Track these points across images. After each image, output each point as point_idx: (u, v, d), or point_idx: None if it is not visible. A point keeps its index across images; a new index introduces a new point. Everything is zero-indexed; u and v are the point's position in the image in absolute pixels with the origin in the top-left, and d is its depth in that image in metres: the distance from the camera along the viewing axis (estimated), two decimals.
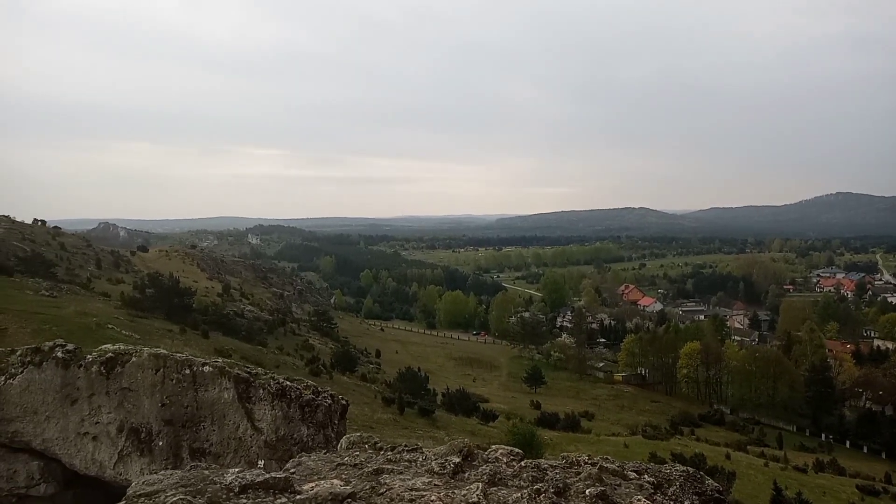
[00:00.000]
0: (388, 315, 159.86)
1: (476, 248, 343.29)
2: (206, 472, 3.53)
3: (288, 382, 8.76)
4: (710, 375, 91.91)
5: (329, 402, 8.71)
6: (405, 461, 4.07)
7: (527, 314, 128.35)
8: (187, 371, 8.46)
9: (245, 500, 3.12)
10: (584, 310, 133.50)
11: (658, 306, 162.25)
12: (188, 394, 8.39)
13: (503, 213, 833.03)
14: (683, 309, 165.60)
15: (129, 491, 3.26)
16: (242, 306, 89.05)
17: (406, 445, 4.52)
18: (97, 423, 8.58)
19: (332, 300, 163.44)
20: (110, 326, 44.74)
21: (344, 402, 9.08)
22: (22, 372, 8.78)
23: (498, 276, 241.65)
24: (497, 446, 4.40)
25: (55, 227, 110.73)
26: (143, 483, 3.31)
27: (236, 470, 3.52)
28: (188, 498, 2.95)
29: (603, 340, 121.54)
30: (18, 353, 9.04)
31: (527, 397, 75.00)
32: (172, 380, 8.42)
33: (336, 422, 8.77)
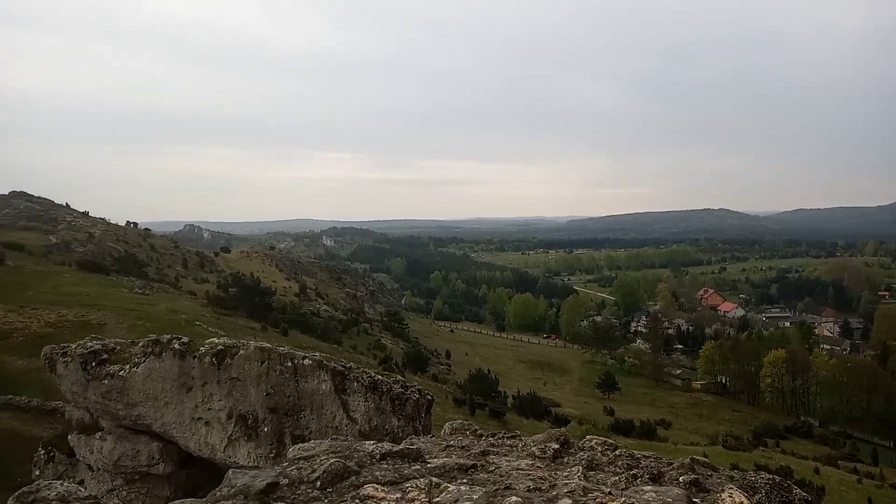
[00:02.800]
0: (458, 316, 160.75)
1: (546, 250, 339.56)
2: (346, 443, 4.02)
3: (379, 376, 9.31)
4: (796, 385, 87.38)
5: (417, 396, 9.20)
6: (507, 445, 4.42)
7: (599, 318, 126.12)
8: (289, 363, 9.16)
9: (386, 465, 3.58)
10: (659, 314, 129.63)
11: (740, 312, 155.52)
12: (290, 384, 9.07)
13: (574, 215, 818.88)
14: (767, 315, 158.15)
15: (290, 455, 3.80)
16: (318, 306, 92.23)
17: (505, 433, 4.87)
18: (209, 409, 9.42)
19: (402, 301, 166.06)
20: (198, 323, 47.44)
21: (429, 396, 9.54)
22: (144, 361, 9.74)
23: (569, 279, 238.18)
24: (591, 437, 4.68)
25: (146, 228, 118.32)
26: (299, 449, 3.84)
27: (372, 442, 3.99)
28: (342, 460, 3.42)
29: (680, 347, 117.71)
30: (140, 344, 10.03)
31: (599, 403, 73.79)
32: (276, 371, 9.13)
33: (423, 415, 9.24)
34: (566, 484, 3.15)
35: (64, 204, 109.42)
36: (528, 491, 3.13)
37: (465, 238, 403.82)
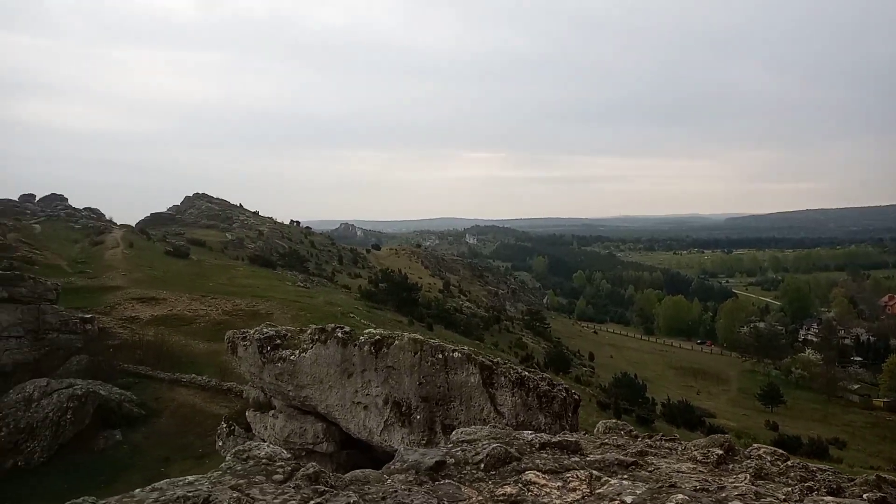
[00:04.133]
0: (602, 318, 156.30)
1: (701, 250, 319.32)
2: (505, 430, 4.19)
3: (526, 373, 9.40)
4: None
5: (564, 394, 9.15)
6: (665, 448, 4.30)
7: (762, 324, 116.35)
8: (440, 355, 9.55)
9: (545, 455, 3.69)
10: (834, 322, 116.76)
11: None
12: (440, 375, 9.46)
13: (734, 213, 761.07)
14: None
15: (453, 437, 4.04)
16: (461, 302, 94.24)
17: (664, 435, 4.73)
18: (367, 394, 10.10)
19: (544, 300, 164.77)
20: (352, 315, 50.57)
21: (576, 396, 9.46)
22: (312, 347, 10.68)
23: (727, 282, 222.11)
24: (758, 445, 4.41)
25: (307, 227, 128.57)
26: (461, 433, 4.07)
27: (530, 432, 4.12)
28: (504, 446, 3.59)
29: (859, 359, 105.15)
30: (308, 332, 11.01)
31: (761, 416, 68.02)
32: (427, 362, 9.57)
33: (570, 414, 9.18)
34: (736, 487, 3.01)
35: (238, 204, 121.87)
36: (695, 491, 3.04)
37: (611, 237, 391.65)
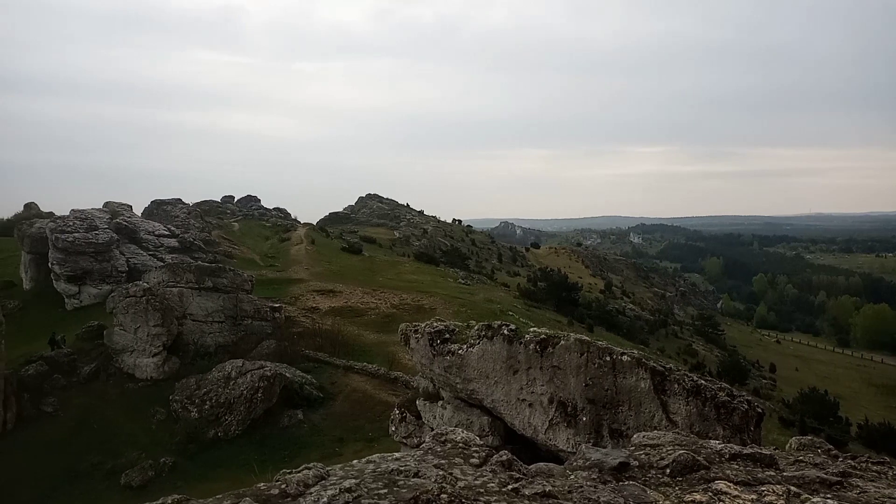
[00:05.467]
0: (787, 326, 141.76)
1: None
2: (691, 438, 4.09)
3: (702, 381, 8.91)
4: None
5: (745, 407, 8.53)
6: (873, 471, 3.90)
7: None
8: (607, 358, 9.39)
9: (736, 466, 3.56)
10: None
11: None
12: (608, 378, 9.29)
13: None
14: None
15: (635, 440, 4.05)
16: (623, 304, 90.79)
17: (868, 457, 4.29)
18: (532, 392, 10.23)
19: (718, 305, 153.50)
20: (511, 313, 50.95)
21: (759, 409, 8.76)
22: (478, 343, 11.06)
23: None
24: None
25: (468, 225, 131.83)
26: (643, 437, 4.06)
27: (718, 441, 3.98)
28: (691, 453, 3.53)
29: None
30: (475, 328, 11.42)
31: None
32: (594, 364, 9.45)
33: (752, 428, 8.52)
34: None
35: (405, 204, 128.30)
36: None
37: (799, 237, 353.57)
